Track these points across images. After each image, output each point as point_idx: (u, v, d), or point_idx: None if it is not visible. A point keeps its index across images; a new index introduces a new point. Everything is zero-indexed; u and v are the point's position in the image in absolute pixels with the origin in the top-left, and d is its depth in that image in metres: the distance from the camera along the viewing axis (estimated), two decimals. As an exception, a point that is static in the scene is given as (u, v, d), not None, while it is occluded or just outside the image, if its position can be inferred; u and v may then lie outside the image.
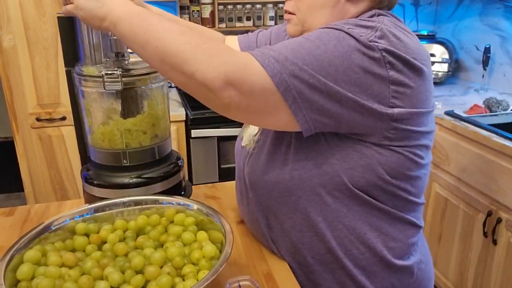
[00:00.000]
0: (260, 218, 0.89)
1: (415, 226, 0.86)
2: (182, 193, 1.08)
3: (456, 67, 2.64)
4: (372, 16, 0.76)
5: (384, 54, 0.68)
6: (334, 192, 0.78)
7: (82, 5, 0.75)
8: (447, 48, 2.56)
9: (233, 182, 1.30)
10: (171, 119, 1.11)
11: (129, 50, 1.01)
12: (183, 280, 0.73)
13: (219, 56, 0.66)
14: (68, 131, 2.19)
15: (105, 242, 0.83)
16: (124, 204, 0.89)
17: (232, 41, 1.10)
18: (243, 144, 0.95)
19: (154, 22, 0.70)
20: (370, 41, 0.68)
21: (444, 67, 2.55)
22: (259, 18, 2.71)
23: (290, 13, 0.85)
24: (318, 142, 0.77)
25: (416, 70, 0.71)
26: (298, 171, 0.79)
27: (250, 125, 0.95)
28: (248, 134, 0.94)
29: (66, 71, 1.01)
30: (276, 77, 0.67)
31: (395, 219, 0.82)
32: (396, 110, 0.71)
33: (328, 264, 0.83)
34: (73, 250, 0.81)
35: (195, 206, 0.87)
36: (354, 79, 0.68)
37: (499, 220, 1.71)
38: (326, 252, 0.82)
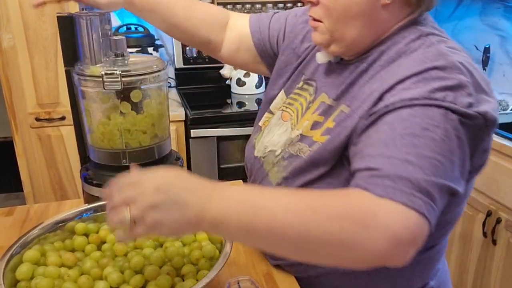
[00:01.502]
0: None
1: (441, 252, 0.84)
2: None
3: (455, 67, 2.63)
4: (420, 37, 0.71)
5: (485, 117, 0.64)
6: None
7: (163, 219, 0.56)
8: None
9: (233, 182, 1.30)
10: (170, 119, 1.11)
11: (129, 50, 1.01)
12: (183, 280, 0.73)
13: (371, 221, 0.55)
14: (68, 131, 2.18)
15: (104, 242, 0.83)
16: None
17: (242, 20, 1.01)
18: (256, 154, 0.90)
19: (265, 203, 0.58)
20: (467, 107, 0.63)
21: (444, 67, 2.54)
22: (258, 18, 2.71)
23: (315, 19, 0.76)
24: None
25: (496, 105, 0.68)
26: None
27: (266, 136, 0.89)
28: (263, 145, 0.88)
29: (65, 71, 1.01)
30: (430, 212, 0.58)
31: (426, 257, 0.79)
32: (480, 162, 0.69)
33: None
34: (73, 250, 0.81)
35: (195, 206, 0.87)
36: (467, 153, 0.65)
37: (498, 220, 1.71)
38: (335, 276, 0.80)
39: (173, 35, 1.04)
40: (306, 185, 0.76)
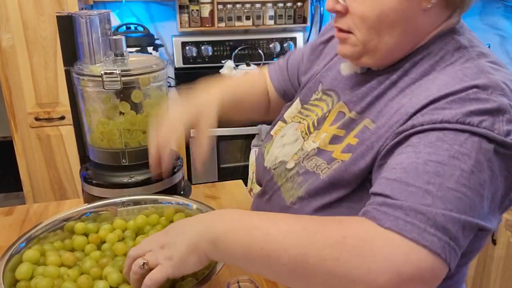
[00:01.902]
0: None
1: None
2: (182, 192, 1.08)
3: (455, 67, 2.64)
4: (459, 49, 0.65)
5: None
6: None
7: (172, 252, 0.59)
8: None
9: (233, 181, 1.30)
10: (170, 119, 1.11)
11: (129, 50, 1.01)
12: (182, 280, 0.73)
13: (369, 253, 0.51)
14: (67, 131, 2.18)
15: (104, 242, 0.83)
16: (123, 204, 0.89)
17: (264, 75, 1.00)
18: (266, 165, 0.84)
19: (261, 223, 0.57)
20: (505, 137, 0.55)
21: (444, 67, 2.54)
22: (258, 17, 2.71)
23: (344, 31, 0.68)
24: None
25: None
26: None
27: (277, 147, 0.84)
28: (273, 155, 0.83)
29: (65, 70, 1.01)
30: (444, 249, 0.52)
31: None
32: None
33: None
34: (72, 250, 0.81)
35: (195, 206, 0.87)
36: (500, 187, 0.57)
37: (498, 220, 1.71)
38: None
39: (247, 118, 1.01)
40: (324, 208, 0.69)
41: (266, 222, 0.57)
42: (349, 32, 0.67)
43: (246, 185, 1.33)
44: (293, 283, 0.57)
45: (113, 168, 1.00)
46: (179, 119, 0.82)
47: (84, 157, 1.08)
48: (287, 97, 0.97)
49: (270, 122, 0.95)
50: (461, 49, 0.65)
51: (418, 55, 0.67)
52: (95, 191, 0.99)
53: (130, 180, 0.98)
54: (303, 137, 0.79)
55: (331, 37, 0.87)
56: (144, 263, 0.60)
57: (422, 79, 0.64)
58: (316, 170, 0.71)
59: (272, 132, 0.90)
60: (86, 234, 0.84)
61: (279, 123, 0.89)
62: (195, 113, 0.82)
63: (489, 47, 2.36)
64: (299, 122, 0.84)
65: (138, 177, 0.98)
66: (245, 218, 0.59)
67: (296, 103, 0.88)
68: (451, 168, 0.54)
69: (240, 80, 1.00)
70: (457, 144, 0.55)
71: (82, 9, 2.17)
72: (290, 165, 0.77)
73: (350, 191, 0.67)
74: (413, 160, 0.56)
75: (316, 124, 0.78)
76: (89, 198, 1.00)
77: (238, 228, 0.57)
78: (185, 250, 0.59)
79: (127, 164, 0.99)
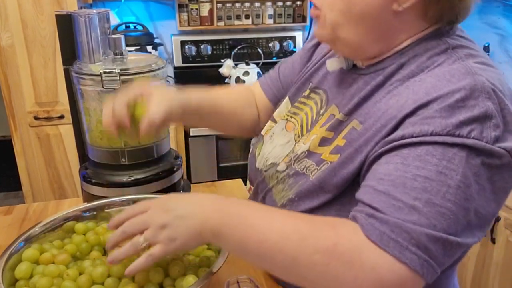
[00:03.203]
0: None
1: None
2: (181, 191, 1.08)
3: (454, 66, 2.64)
4: (446, 51, 0.65)
5: (508, 153, 0.57)
6: None
7: (174, 234, 0.61)
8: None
9: (232, 180, 1.30)
10: (169, 118, 1.11)
11: (128, 49, 1.01)
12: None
13: (357, 262, 0.55)
14: (66, 130, 2.18)
15: (103, 241, 0.83)
16: (122, 203, 0.89)
17: (255, 87, 0.99)
18: (257, 166, 0.85)
19: (258, 222, 0.60)
20: (493, 144, 0.56)
21: (443, 66, 2.54)
22: (258, 16, 2.71)
23: (316, 7, 0.70)
24: None
25: None
26: None
27: (267, 147, 0.84)
28: (263, 156, 0.84)
29: (64, 69, 1.01)
30: (424, 267, 0.55)
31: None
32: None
33: None
34: (72, 249, 0.81)
35: (194, 205, 0.87)
36: (488, 199, 0.58)
37: (497, 219, 1.71)
38: None
39: (227, 130, 1.00)
40: (313, 211, 0.70)
41: (262, 221, 0.60)
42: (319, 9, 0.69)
43: (245, 184, 1.33)
44: (287, 279, 0.62)
45: (113, 167, 1.00)
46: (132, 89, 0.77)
47: (83, 156, 1.08)
48: (276, 102, 0.95)
49: None
50: (448, 50, 0.65)
51: (404, 56, 0.67)
52: (95, 190, 0.99)
53: (129, 179, 0.98)
54: (295, 140, 0.79)
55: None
56: (145, 244, 0.62)
57: (409, 80, 0.64)
58: (306, 172, 0.72)
59: (262, 132, 0.89)
60: (85, 233, 0.84)
61: (269, 122, 0.89)
62: (148, 91, 0.77)
63: (488, 46, 2.36)
64: (287, 120, 0.84)
65: (138, 176, 0.98)
66: (244, 214, 0.61)
67: (286, 102, 0.88)
68: (438, 184, 0.55)
69: (222, 93, 0.97)
70: (445, 159, 0.56)
71: (81, 8, 2.17)
72: (281, 167, 0.77)
73: (339, 194, 0.68)
74: (401, 174, 0.57)
75: (309, 126, 0.79)
76: (89, 197, 1.00)
77: (236, 226, 0.60)
78: (188, 236, 0.61)
79: (126, 163, 0.99)
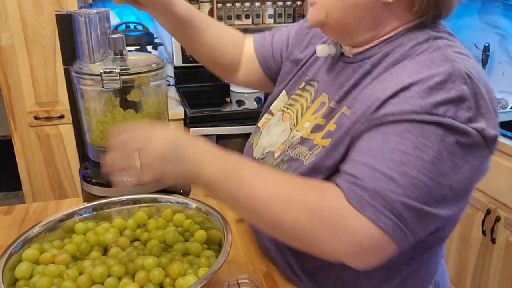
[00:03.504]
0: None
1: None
2: (181, 191, 1.08)
3: (455, 66, 2.63)
4: (427, 40, 0.69)
5: (482, 134, 0.62)
6: None
7: (168, 170, 0.63)
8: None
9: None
10: (169, 118, 1.11)
11: (128, 49, 1.00)
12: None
13: (341, 226, 0.61)
14: (67, 130, 2.18)
15: (103, 241, 0.83)
16: (122, 203, 0.89)
17: (250, 41, 1.02)
18: (254, 155, 0.88)
19: (251, 179, 0.64)
20: (466, 124, 0.61)
21: (443, 66, 2.54)
22: (258, 16, 2.71)
23: None
24: None
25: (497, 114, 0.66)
26: None
27: (265, 137, 0.88)
28: (261, 146, 0.87)
29: (64, 69, 1.01)
30: (396, 233, 0.60)
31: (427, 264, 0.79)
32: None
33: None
34: (72, 249, 0.81)
35: (194, 205, 0.87)
36: (462, 176, 0.63)
37: (497, 219, 1.71)
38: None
39: (197, 53, 1.02)
40: None
41: (256, 178, 0.64)
42: None
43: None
44: (272, 234, 0.67)
45: (113, 167, 0.99)
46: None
47: (83, 156, 1.08)
48: (265, 66, 0.99)
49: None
50: (430, 40, 0.70)
51: (389, 45, 0.72)
52: (95, 190, 0.99)
53: (129, 179, 0.98)
54: (291, 129, 0.83)
55: None
56: (137, 163, 0.62)
57: (394, 67, 0.69)
58: (299, 157, 0.76)
59: (259, 124, 0.93)
60: (85, 233, 0.84)
61: (266, 115, 0.92)
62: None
63: (488, 46, 2.36)
64: (283, 111, 0.88)
65: (138, 176, 0.98)
66: (239, 170, 0.65)
67: (283, 95, 0.91)
68: (414, 158, 0.60)
69: (213, 21, 1.01)
70: (422, 136, 0.60)
71: (81, 7, 2.17)
72: (276, 154, 0.81)
73: (331, 174, 0.71)
74: (381, 148, 0.62)
75: (302, 114, 0.82)
76: (89, 197, 1.00)
77: (230, 180, 0.64)
78: (181, 177, 0.64)
79: (126, 163, 0.99)
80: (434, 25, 0.72)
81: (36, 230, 0.80)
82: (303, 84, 0.86)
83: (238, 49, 1.01)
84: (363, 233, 0.60)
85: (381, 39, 0.73)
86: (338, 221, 0.61)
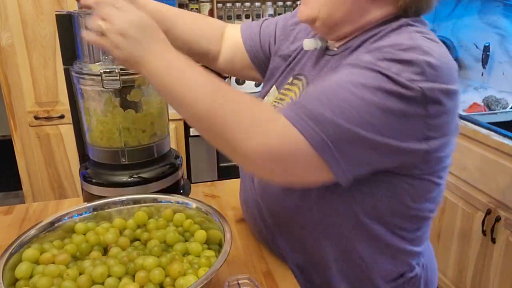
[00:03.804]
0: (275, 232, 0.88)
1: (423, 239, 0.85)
2: (181, 191, 1.08)
3: (455, 66, 2.64)
4: (401, 27, 0.73)
5: (423, 92, 0.64)
6: (356, 225, 0.77)
7: (121, 46, 0.69)
8: (446, 46, 2.55)
9: (232, 180, 1.30)
10: (170, 117, 1.11)
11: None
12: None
13: (260, 125, 0.65)
14: (67, 130, 2.18)
15: (103, 241, 0.83)
16: (123, 203, 0.89)
17: (235, 29, 1.04)
18: None
19: (191, 75, 0.68)
20: (408, 80, 0.64)
21: (443, 66, 2.54)
22: (258, 16, 2.71)
23: None
24: None
25: (452, 95, 0.67)
26: (321, 207, 0.76)
27: None
28: None
29: (64, 69, 1.01)
30: (318, 143, 0.64)
31: (408, 243, 0.82)
32: (431, 143, 0.69)
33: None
34: (72, 249, 0.81)
35: (194, 205, 0.87)
36: (392, 125, 0.65)
37: (497, 219, 1.71)
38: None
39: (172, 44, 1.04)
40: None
41: (195, 74, 0.68)
42: None
43: (245, 184, 1.32)
44: (198, 126, 0.69)
45: (113, 167, 1.00)
46: None
47: (83, 156, 1.08)
48: (252, 55, 1.01)
49: None
50: (402, 27, 0.74)
51: (369, 34, 0.76)
52: (95, 190, 0.99)
53: (129, 179, 0.98)
54: None
55: None
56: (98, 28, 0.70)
57: (369, 47, 0.74)
58: None
59: None
60: (85, 233, 0.84)
61: None
62: None
63: (488, 46, 2.36)
64: (275, 105, 0.90)
65: (138, 176, 0.98)
66: (181, 66, 0.69)
67: (273, 90, 0.93)
68: (346, 90, 0.64)
69: (182, 12, 1.03)
70: (362, 77, 0.65)
71: (81, 7, 2.16)
72: None
73: None
74: (324, 84, 0.68)
75: None
76: (89, 197, 1.00)
77: (171, 72, 0.68)
78: (129, 57, 0.69)
79: (126, 163, 0.99)
80: (412, 17, 0.76)
81: (36, 230, 0.80)
82: (291, 79, 0.89)
83: (215, 38, 1.02)
84: (277, 133, 0.64)
85: (362, 30, 0.77)
86: (262, 119, 0.65)
